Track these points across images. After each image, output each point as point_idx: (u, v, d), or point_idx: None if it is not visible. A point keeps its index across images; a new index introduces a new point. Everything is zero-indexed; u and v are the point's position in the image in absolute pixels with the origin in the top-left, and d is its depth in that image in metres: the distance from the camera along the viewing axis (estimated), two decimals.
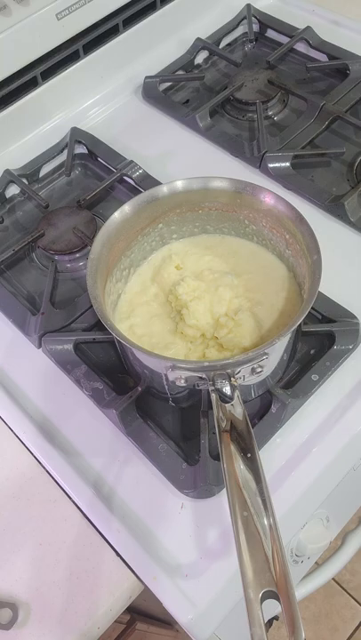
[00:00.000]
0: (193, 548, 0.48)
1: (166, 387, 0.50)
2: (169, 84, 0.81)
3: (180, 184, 0.54)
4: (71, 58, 0.75)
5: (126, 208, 0.53)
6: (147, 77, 0.80)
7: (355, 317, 0.56)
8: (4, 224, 0.70)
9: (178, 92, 0.82)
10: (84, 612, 0.46)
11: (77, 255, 0.64)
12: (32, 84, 0.73)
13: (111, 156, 0.72)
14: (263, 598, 0.37)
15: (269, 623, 0.64)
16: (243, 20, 0.86)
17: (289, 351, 0.52)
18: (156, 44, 0.83)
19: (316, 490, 0.51)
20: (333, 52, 0.80)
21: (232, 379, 0.44)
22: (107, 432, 0.53)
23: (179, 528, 0.48)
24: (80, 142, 0.74)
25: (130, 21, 0.79)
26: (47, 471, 0.52)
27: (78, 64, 0.76)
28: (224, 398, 0.44)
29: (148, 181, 0.68)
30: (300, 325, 0.45)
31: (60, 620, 0.46)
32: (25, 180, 0.72)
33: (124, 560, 0.48)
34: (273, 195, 0.52)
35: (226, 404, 0.44)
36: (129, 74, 0.81)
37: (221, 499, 0.49)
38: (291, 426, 0.52)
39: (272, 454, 0.51)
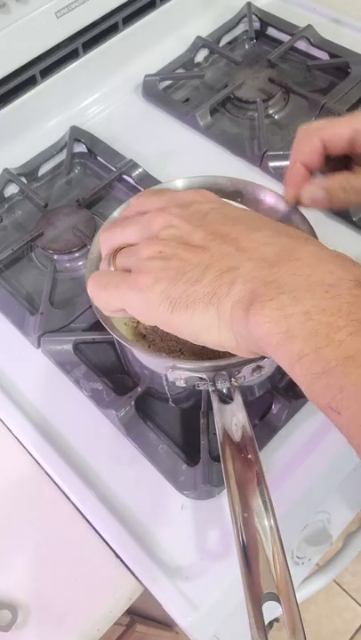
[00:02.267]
0: (193, 549, 0.47)
1: (166, 387, 0.50)
2: (169, 82, 0.81)
3: (179, 183, 0.54)
4: (70, 56, 0.75)
5: (126, 207, 0.53)
6: (146, 76, 0.79)
7: None
8: (2, 223, 0.70)
9: (178, 90, 0.81)
10: (83, 614, 0.46)
11: (77, 255, 0.64)
12: (31, 83, 0.73)
13: (111, 155, 0.72)
14: (264, 600, 0.36)
15: (270, 625, 0.64)
16: (243, 18, 0.86)
17: None
18: (155, 42, 0.82)
19: (318, 491, 0.50)
20: (334, 51, 0.80)
21: (233, 379, 0.44)
22: (106, 433, 0.53)
23: (179, 529, 0.48)
24: (79, 141, 0.74)
25: (129, 19, 0.79)
26: (46, 472, 0.52)
27: (77, 62, 0.76)
28: (224, 399, 0.44)
29: (148, 180, 0.68)
30: None
31: (60, 622, 0.46)
32: (24, 179, 0.71)
33: (123, 562, 0.48)
34: (274, 194, 0.52)
35: (226, 405, 0.44)
36: (128, 72, 0.81)
37: (222, 500, 0.48)
38: (291, 426, 0.52)
39: (273, 455, 0.51)
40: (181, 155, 0.72)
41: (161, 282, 0.35)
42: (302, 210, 0.50)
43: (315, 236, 0.48)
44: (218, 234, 0.35)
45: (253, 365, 0.45)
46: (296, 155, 0.48)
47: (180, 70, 0.82)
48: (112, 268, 0.39)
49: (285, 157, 0.68)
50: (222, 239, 0.35)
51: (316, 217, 0.64)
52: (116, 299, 0.37)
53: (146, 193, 0.42)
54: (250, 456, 0.41)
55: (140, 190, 0.67)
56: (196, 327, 0.35)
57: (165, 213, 0.37)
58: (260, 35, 0.86)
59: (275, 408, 0.51)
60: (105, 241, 0.40)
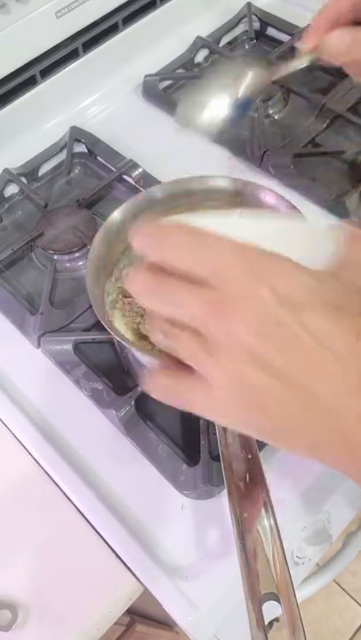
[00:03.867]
0: (193, 549, 0.47)
1: None
2: (169, 82, 0.81)
3: (179, 183, 0.54)
4: (70, 56, 0.75)
5: (126, 207, 0.53)
6: (146, 76, 0.79)
7: None
8: (2, 223, 0.70)
9: (178, 90, 0.81)
10: (83, 614, 0.46)
11: (77, 255, 0.64)
12: (31, 83, 0.73)
13: (111, 155, 0.72)
14: (264, 600, 0.36)
15: (270, 625, 0.64)
16: (243, 18, 0.86)
17: None
18: (155, 43, 0.82)
19: (318, 491, 0.50)
20: None
21: None
22: (106, 433, 0.53)
23: (179, 529, 0.48)
24: (79, 141, 0.74)
25: (130, 19, 0.79)
26: (46, 472, 0.52)
27: (78, 62, 0.76)
28: None
29: (148, 180, 0.68)
30: None
31: (60, 622, 0.46)
32: (24, 179, 0.71)
33: (123, 561, 0.48)
34: (274, 194, 0.52)
35: None
36: (129, 72, 0.81)
37: (222, 500, 0.48)
38: None
39: (273, 455, 0.51)
40: (181, 155, 0.72)
41: (246, 413, 0.30)
42: (300, 209, 0.50)
43: None
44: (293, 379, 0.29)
45: None
46: (327, 10, 0.47)
47: (180, 70, 0.82)
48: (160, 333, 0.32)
49: (285, 157, 0.68)
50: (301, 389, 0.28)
51: (316, 216, 0.64)
52: (181, 400, 0.32)
53: (193, 250, 0.30)
54: (250, 456, 0.41)
55: (140, 190, 0.67)
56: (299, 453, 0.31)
57: (235, 345, 0.29)
58: (260, 35, 0.86)
59: None
60: (152, 299, 0.32)
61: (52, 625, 0.46)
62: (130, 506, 0.50)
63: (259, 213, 0.49)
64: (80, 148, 0.74)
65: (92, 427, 0.54)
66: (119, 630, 0.61)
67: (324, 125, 0.72)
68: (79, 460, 0.52)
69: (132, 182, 0.69)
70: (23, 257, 0.66)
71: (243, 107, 0.48)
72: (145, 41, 0.81)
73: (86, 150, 0.74)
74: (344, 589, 1.24)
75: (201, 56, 0.84)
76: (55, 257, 0.64)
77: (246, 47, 0.86)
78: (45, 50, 0.71)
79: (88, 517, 0.49)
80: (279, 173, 0.68)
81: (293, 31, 0.82)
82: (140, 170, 0.69)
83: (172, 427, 0.53)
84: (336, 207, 0.64)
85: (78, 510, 0.50)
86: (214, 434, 0.43)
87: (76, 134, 0.74)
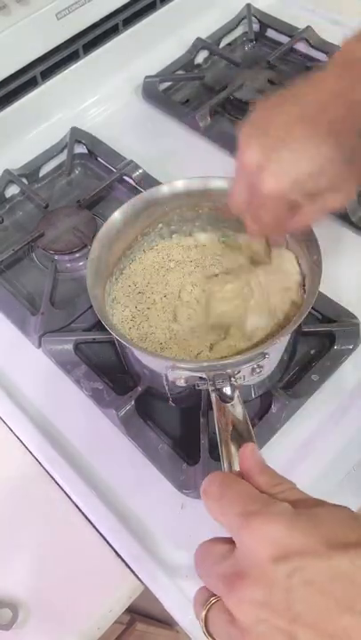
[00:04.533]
0: (193, 548, 0.47)
1: (166, 387, 0.50)
2: (169, 83, 0.81)
3: (180, 184, 0.54)
4: (71, 57, 0.75)
5: (126, 208, 0.53)
6: (146, 77, 0.79)
7: (355, 317, 0.56)
8: (3, 224, 0.70)
9: (178, 91, 0.82)
10: (83, 613, 0.46)
11: (77, 255, 0.64)
12: (32, 84, 0.73)
13: (111, 156, 0.72)
14: None
15: None
16: (243, 19, 0.86)
17: (289, 351, 0.52)
18: (155, 44, 0.83)
19: (317, 490, 0.50)
20: (333, 52, 0.80)
21: (232, 379, 0.44)
22: (107, 432, 0.53)
23: (179, 528, 0.48)
24: (80, 142, 0.74)
25: (130, 21, 0.79)
26: (47, 471, 0.52)
27: (78, 64, 0.76)
28: (224, 398, 0.44)
29: (148, 181, 0.68)
30: (300, 325, 0.45)
31: (60, 621, 0.46)
32: (25, 180, 0.72)
33: (124, 560, 0.48)
34: None
35: (226, 404, 0.44)
36: (129, 73, 0.81)
37: None
38: (291, 426, 0.52)
39: (272, 454, 0.51)
40: (181, 156, 0.73)
41: None
42: None
43: (314, 236, 0.49)
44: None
45: (253, 365, 0.45)
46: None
47: (180, 72, 0.82)
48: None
49: None
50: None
51: None
52: None
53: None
54: None
55: (140, 191, 0.67)
56: None
57: (244, 603, 0.28)
58: (260, 36, 0.87)
59: (274, 407, 0.52)
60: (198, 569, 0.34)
61: (52, 624, 0.46)
62: (130, 505, 0.50)
63: None
64: (81, 149, 0.74)
65: (93, 426, 0.54)
66: (119, 629, 0.61)
67: None
68: (79, 460, 0.52)
69: (133, 183, 0.69)
70: (24, 257, 0.66)
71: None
72: (145, 42, 0.82)
73: (87, 151, 0.74)
74: None
75: (201, 57, 0.84)
76: (56, 257, 0.64)
77: (246, 48, 0.86)
78: (46, 51, 0.72)
79: (88, 516, 0.50)
80: None
81: (293, 32, 0.82)
82: (141, 171, 0.69)
83: (171, 426, 0.54)
84: None
85: (79, 509, 0.50)
86: (214, 433, 0.44)
87: (77, 135, 0.74)
